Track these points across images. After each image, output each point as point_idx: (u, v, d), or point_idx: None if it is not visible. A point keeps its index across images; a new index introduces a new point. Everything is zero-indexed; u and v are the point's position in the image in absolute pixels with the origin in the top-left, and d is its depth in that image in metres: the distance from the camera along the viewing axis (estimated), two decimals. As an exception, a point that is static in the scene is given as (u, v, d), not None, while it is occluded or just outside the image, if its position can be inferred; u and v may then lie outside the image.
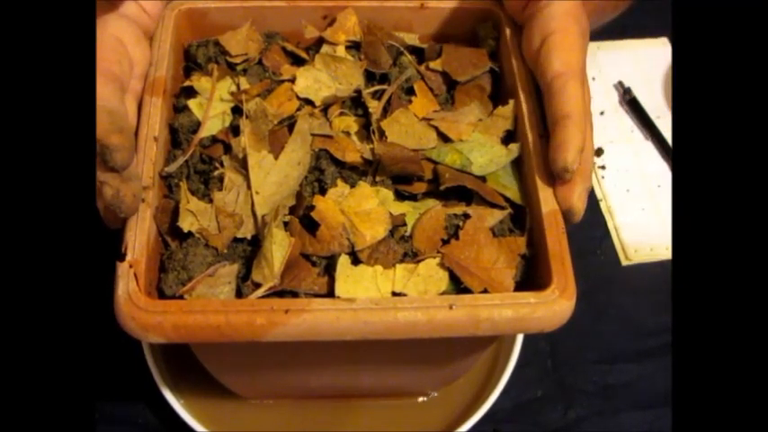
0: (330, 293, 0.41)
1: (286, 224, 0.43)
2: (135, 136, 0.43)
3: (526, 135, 0.46)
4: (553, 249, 0.41)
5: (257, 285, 0.41)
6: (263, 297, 0.41)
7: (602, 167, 0.73)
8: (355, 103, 0.49)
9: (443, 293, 0.41)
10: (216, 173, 0.45)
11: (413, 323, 0.39)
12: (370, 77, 0.51)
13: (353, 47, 0.51)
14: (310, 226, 0.43)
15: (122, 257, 0.40)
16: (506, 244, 0.43)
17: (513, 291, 0.42)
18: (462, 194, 0.45)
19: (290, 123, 0.47)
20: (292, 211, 0.44)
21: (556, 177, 0.43)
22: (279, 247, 0.41)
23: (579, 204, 0.43)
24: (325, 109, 0.48)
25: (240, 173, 0.45)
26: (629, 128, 0.77)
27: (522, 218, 0.45)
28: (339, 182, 0.44)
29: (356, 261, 0.42)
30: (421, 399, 0.58)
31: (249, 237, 0.43)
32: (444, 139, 0.47)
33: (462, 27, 0.53)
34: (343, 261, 0.41)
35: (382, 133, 0.46)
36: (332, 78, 0.49)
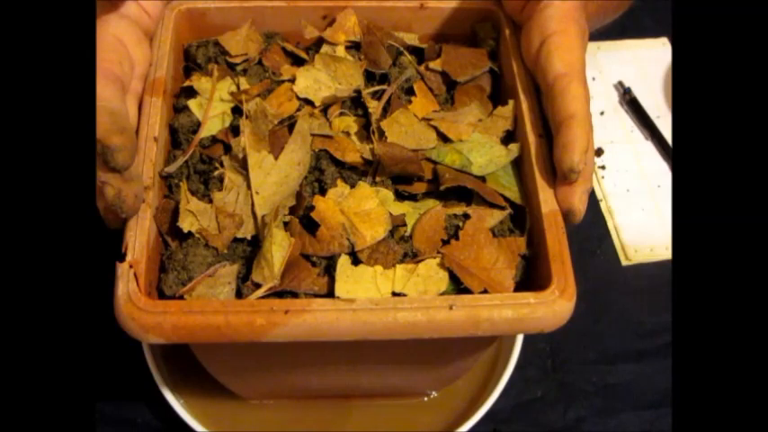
0: (330, 294, 0.41)
1: (286, 224, 0.43)
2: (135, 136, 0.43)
3: (526, 135, 0.46)
4: (553, 249, 0.41)
5: (257, 286, 0.41)
6: (262, 297, 0.41)
7: (602, 167, 0.73)
8: (355, 103, 0.49)
9: (443, 294, 0.41)
10: (216, 173, 0.45)
11: (413, 323, 0.39)
12: (369, 77, 0.51)
13: (353, 47, 0.51)
14: (310, 226, 0.43)
15: (122, 258, 0.40)
16: (506, 244, 0.43)
17: (512, 291, 0.42)
18: (462, 194, 0.45)
19: (290, 123, 0.47)
20: (292, 211, 0.44)
21: (560, 178, 0.43)
22: (279, 248, 0.41)
23: (580, 205, 0.43)
24: (325, 109, 0.48)
25: (240, 173, 0.45)
26: (629, 128, 0.77)
27: (522, 218, 0.45)
28: (339, 182, 0.45)
29: (356, 261, 0.42)
30: (421, 399, 0.58)
31: (249, 237, 0.43)
32: (444, 139, 0.47)
33: (462, 27, 0.53)
34: (343, 261, 0.41)
35: (382, 133, 0.46)
36: (332, 78, 0.49)
